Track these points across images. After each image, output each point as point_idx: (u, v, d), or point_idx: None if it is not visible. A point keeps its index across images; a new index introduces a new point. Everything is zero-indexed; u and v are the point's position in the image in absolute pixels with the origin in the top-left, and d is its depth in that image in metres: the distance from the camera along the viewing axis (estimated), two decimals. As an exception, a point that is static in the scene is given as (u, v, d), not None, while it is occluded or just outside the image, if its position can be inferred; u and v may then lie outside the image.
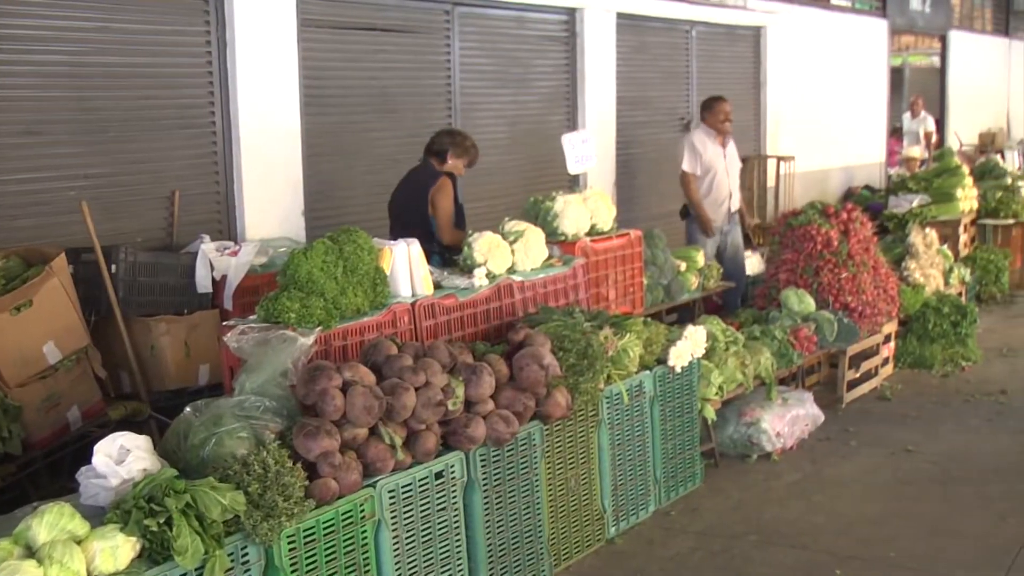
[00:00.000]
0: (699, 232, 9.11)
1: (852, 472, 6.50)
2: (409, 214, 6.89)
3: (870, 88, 16.31)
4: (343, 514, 4.13)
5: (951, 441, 7.06)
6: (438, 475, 4.55)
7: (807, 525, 5.71)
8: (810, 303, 7.75)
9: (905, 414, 7.67)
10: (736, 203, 9.33)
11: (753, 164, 12.03)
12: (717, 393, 6.39)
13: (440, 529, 4.56)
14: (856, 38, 15.72)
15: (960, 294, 10.10)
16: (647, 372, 5.74)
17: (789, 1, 13.33)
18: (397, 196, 7.04)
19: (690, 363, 6.03)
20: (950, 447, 6.94)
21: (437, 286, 5.49)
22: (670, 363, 5.86)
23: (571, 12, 9.64)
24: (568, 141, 6.87)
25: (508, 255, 5.81)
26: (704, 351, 6.21)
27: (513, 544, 4.92)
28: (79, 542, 3.46)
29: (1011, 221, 12.62)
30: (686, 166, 9.07)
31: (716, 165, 9.09)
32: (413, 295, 5.30)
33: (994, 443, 7.03)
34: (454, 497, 4.62)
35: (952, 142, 18.34)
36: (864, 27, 16.07)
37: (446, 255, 6.49)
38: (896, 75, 18.53)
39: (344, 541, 4.13)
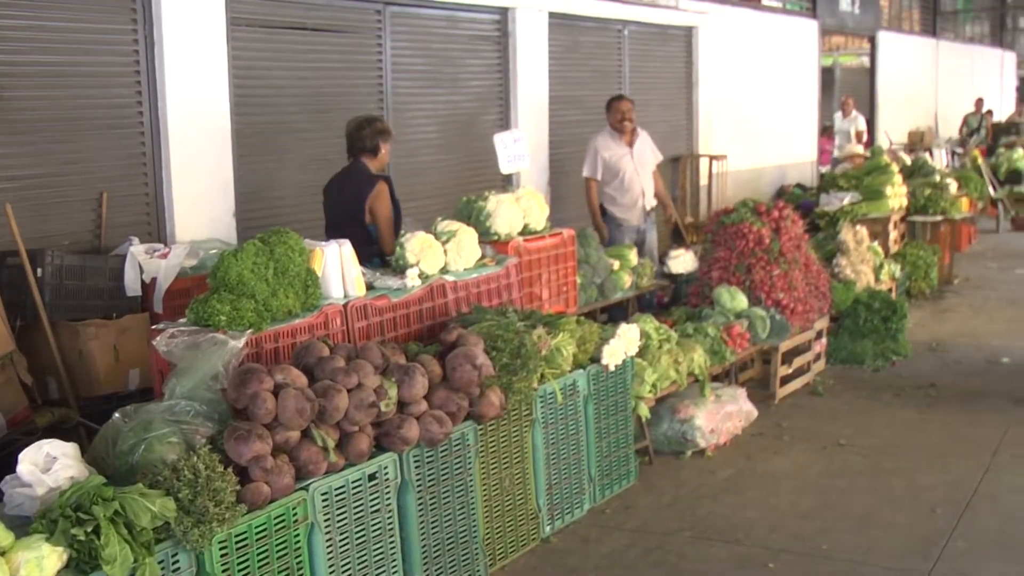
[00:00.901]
0: (616, 231, 9.14)
1: (785, 467, 6.57)
2: (347, 223, 6.79)
3: (801, 87, 16.50)
4: (276, 518, 4.10)
5: (882, 434, 7.16)
6: (371, 477, 4.53)
7: (740, 520, 5.76)
8: (743, 300, 7.82)
9: (837, 409, 7.77)
10: (651, 201, 9.36)
11: (686, 163, 12.12)
12: (651, 391, 6.43)
13: (374, 531, 4.54)
14: (787, 38, 15.89)
15: (890, 290, 10.25)
16: (581, 371, 5.76)
17: (720, 1, 13.44)
18: (332, 200, 6.92)
19: (624, 361, 6.05)
20: (881, 440, 7.03)
21: (369, 287, 5.46)
22: (604, 362, 5.88)
23: (503, 12, 9.65)
24: (500, 140, 6.86)
25: (441, 255, 5.80)
26: (638, 349, 6.24)
27: (448, 544, 4.91)
28: (3, 553, 3.40)
29: (939, 218, 12.84)
30: (586, 171, 9.09)
31: (624, 166, 9.10)
32: (345, 296, 5.27)
33: (924, 435, 7.14)
34: (388, 499, 4.60)
35: (882, 141, 18.61)
36: (795, 27, 16.26)
37: (385, 257, 6.45)
38: (827, 75, 18.78)
39: (277, 546, 4.10)
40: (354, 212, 6.68)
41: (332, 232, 6.69)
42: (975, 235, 15.96)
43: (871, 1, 19.30)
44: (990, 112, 23.42)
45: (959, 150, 20.27)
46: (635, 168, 9.17)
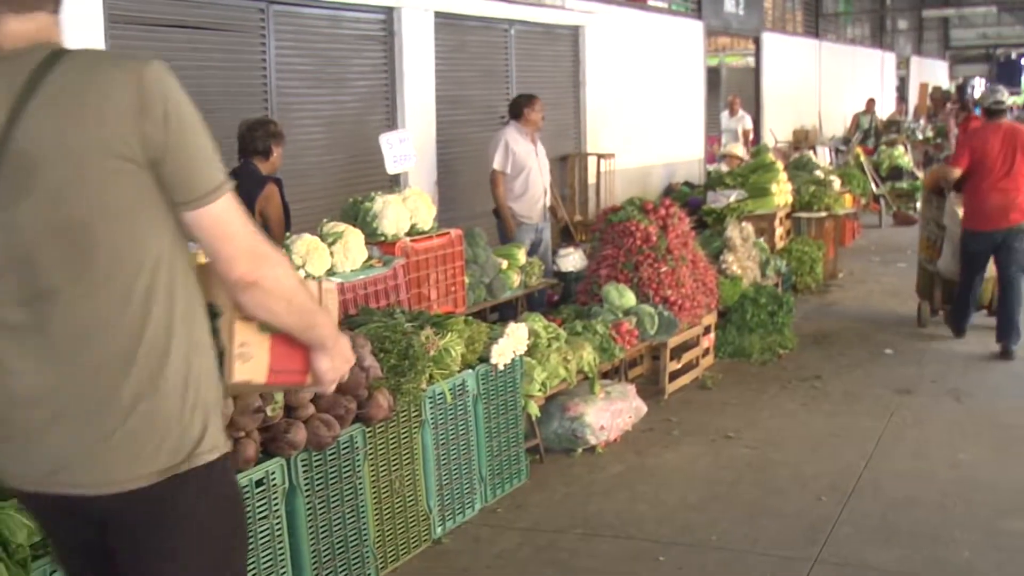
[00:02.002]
0: (516, 228, 9.18)
1: (674, 461, 6.64)
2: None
3: (688, 87, 16.71)
4: (158, 528, 4.00)
5: (768, 426, 7.29)
6: (259, 483, 4.45)
7: (631, 515, 5.81)
8: (631, 297, 7.88)
9: (725, 402, 7.88)
10: (548, 200, 9.44)
11: (574, 162, 12.19)
12: (540, 389, 6.44)
13: (263, 538, 4.46)
14: (673, 38, 16.08)
15: (776, 285, 10.42)
16: (470, 371, 5.75)
17: (607, 1, 13.54)
18: None
19: (513, 360, 6.06)
20: (768, 432, 7.15)
21: (255, 290, 5.37)
22: (492, 361, 5.88)
23: (388, 11, 9.58)
24: (386, 141, 6.81)
25: (327, 257, 5.74)
26: (527, 348, 6.25)
27: (338, 549, 4.86)
28: None
29: (824, 214, 13.10)
30: (497, 164, 9.07)
31: (529, 163, 9.15)
32: (230, 300, 5.18)
33: (809, 426, 7.28)
34: (276, 504, 4.53)
35: (768, 139, 18.93)
36: (681, 28, 16.46)
37: None
38: (713, 75, 19.04)
39: (160, 556, 4.01)
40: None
41: None
42: (859, 230, 16.34)
43: (755, 3, 19.62)
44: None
45: (843, 148, 20.73)
46: (539, 166, 9.22)
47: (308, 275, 5.59)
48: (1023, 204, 8.93)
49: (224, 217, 2.42)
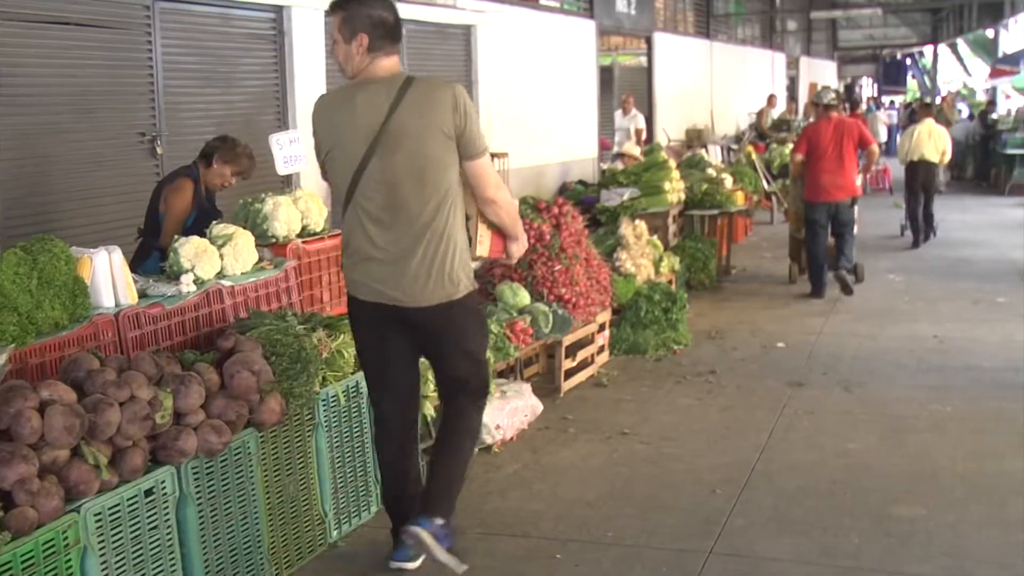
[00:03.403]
0: None
1: (570, 458, 6.67)
2: (150, 210, 6.69)
3: (581, 86, 16.79)
4: (44, 544, 3.87)
5: (663, 421, 7.36)
6: (148, 493, 4.36)
7: (528, 513, 5.82)
8: (525, 296, 7.90)
9: (620, 399, 7.95)
10: None
11: (468, 161, 12.16)
12: (435, 389, 6.40)
13: (153, 549, 4.36)
14: (566, 38, 16.15)
15: (670, 282, 10.54)
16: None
17: (499, 1, 13.54)
18: (153, 191, 6.84)
19: (408, 361, 6.01)
20: (663, 427, 7.23)
21: (143, 295, 5.27)
22: (387, 362, 5.83)
23: (278, 10, 9.47)
24: (276, 141, 6.70)
25: (217, 260, 5.63)
26: (421, 348, 6.21)
27: (231, 557, 4.78)
28: None
29: (716, 212, 13.30)
30: None
31: None
32: (117, 305, 5.06)
33: (704, 421, 7.38)
34: (166, 514, 4.44)
35: (660, 138, 19.13)
36: (573, 27, 16.53)
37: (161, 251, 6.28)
38: (607, 74, 19.16)
39: (46, 573, 3.87)
40: (153, 197, 6.64)
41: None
42: (751, 227, 16.62)
43: (647, 3, 19.80)
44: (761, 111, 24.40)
45: (734, 146, 21.04)
46: None
47: (198, 278, 5.47)
48: (849, 183, 11.49)
49: (483, 165, 4.79)
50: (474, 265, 4.98)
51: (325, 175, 4.95)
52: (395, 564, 5.03)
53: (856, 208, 11.84)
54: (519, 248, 5.09)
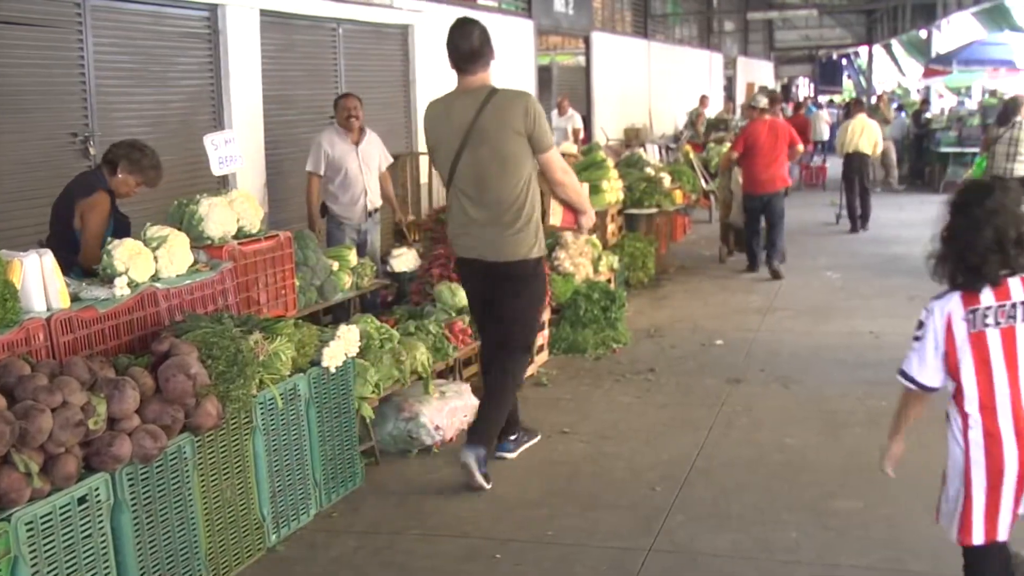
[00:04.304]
0: (336, 229, 9.12)
1: (510, 458, 6.66)
2: (57, 223, 6.50)
3: (520, 85, 16.69)
4: (-28, 552, 3.81)
5: (603, 420, 7.38)
6: (81, 500, 4.29)
7: (468, 513, 5.81)
8: (464, 296, 7.86)
9: (560, 398, 7.95)
10: (376, 201, 9.37)
11: (405, 161, 12.10)
12: (374, 391, 6.39)
13: (87, 558, 4.29)
14: (504, 37, 16.07)
15: (609, 281, 10.55)
16: (301, 374, 5.66)
17: (436, 0, 13.49)
18: (56, 201, 6.61)
19: (345, 363, 5.99)
20: (602, 425, 7.25)
21: (75, 298, 5.17)
22: (324, 364, 5.80)
23: (213, 8, 9.36)
24: (211, 141, 6.62)
25: (151, 262, 5.55)
26: (359, 350, 6.19)
27: (168, 564, 4.72)
28: None
29: (655, 210, 13.37)
30: (309, 166, 9.14)
31: (347, 163, 9.09)
32: (48, 309, 4.97)
33: (643, 418, 7.41)
34: (100, 522, 4.37)
35: (599, 137, 19.17)
36: (511, 27, 16.50)
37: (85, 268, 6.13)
38: (545, 73, 19.15)
39: (-25, 581, 3.82)
40: (64, 212, 6.44)
41: (50, 237, 6.49)
42: (689, 226, 16.69)
43: (584, 3, 19.83)
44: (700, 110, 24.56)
45: (672, 145, 21.13)
46: (359, 167, 9.13)
47: (131, 281, 5.39)
48: (780, 177, 13.09)
49: (551, 157, 6.17)
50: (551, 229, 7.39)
51: (433, 164, 6.46)
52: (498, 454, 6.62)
53: (784, 199, 13.37)
54: (588, 220, 6.62)
